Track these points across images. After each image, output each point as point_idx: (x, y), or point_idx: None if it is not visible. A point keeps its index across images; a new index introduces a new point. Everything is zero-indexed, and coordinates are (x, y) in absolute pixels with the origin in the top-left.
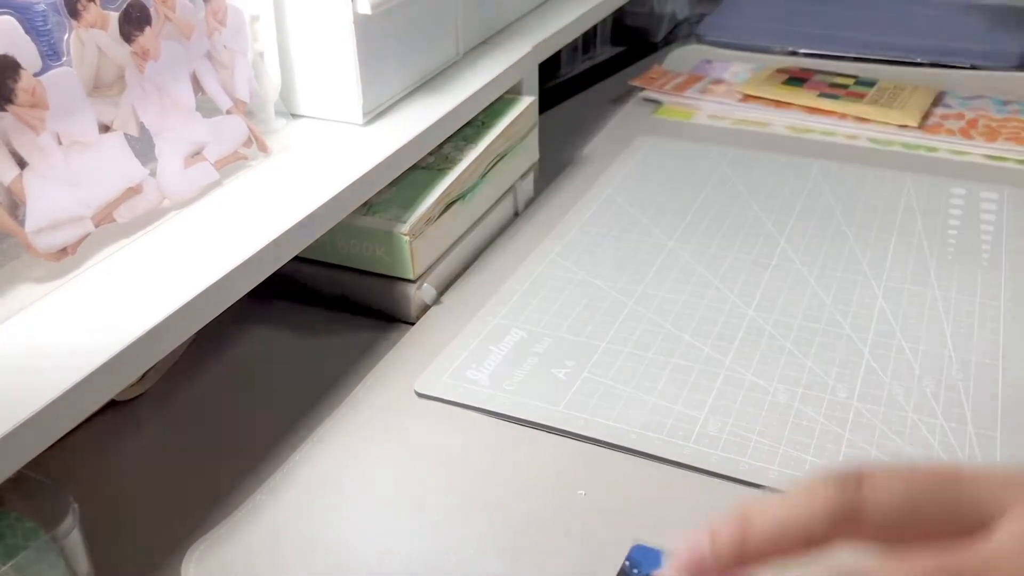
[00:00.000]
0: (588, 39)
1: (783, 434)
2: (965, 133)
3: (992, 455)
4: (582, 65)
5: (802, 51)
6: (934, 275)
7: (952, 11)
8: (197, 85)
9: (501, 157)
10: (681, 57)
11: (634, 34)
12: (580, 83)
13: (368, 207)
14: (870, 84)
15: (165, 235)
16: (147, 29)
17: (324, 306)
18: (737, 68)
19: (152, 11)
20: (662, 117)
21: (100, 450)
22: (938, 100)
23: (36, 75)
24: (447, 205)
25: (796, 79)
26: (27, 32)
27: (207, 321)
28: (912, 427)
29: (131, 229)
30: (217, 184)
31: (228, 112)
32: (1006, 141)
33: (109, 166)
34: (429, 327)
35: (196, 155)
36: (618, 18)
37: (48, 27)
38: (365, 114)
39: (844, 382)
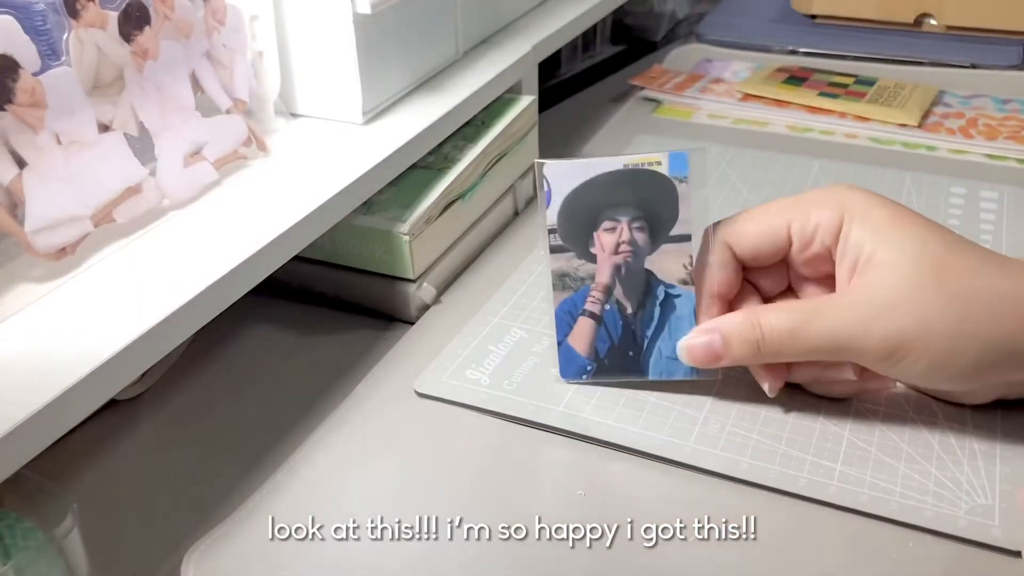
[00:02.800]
0: (588, 38)
1: (783, 434)
2: (965, 132)
3: (992, 452)
4: (582, 64)
5: (801, 50)
6: None
7: None
8: (196, 85)
9: (501, 156)
10: (681, 56)
11: (634, 33)
12: (580, 82)
13: (368, 206)
14: (870, 83)
15: (165, 235)
16: (146, 28)
17: (324, 306)
18: (737, 67)
19: (151, 11)
20: (662, 116)
21: (100, 450)
22: (938, 99)
23: (35, 75)
24: (447, 205)
25: (796, 78)
26: (26, 32)
27: (207, 321)
28: (911, 427)
29: (130, 229)
30: (216, 184)
31: (228, 112)
32: (1006, 140)
33: (108, 166)
34: (429, 327)
35: (195, 155)
36: (618, 17)
37: (47, 27)
38: (364, 113)
39: None
